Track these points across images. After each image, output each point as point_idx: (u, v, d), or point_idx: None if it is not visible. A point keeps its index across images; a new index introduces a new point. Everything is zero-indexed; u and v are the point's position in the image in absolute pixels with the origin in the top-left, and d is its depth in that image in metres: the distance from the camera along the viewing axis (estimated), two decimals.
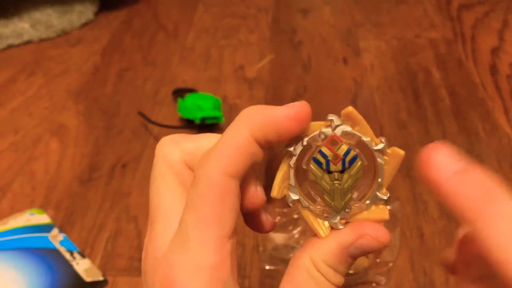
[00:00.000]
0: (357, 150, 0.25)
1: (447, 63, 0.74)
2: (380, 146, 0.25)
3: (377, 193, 0.26)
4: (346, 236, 0.25)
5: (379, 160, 0.25)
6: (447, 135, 0.60)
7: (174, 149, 0.26)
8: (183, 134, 0.27)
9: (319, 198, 0.26)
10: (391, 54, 0.78)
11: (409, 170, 0.56)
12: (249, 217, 0.28)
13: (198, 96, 0.66)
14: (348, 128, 0.25)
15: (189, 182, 0.26)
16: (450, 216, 0.50)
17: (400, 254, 0.46)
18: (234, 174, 0.24)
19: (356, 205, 0.26)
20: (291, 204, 0.26)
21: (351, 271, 0.44)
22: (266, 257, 0.46)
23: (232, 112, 0.68)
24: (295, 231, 0.47)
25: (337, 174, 0.26)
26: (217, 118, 0.63)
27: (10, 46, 0.91)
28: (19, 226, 0.53)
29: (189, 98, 0.66)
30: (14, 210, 0.56)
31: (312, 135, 0.25)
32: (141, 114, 0.67)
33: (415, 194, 0.53)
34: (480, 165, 0.20)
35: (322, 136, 0.25)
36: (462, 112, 0.64)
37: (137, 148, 0.64)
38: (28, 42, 0.92)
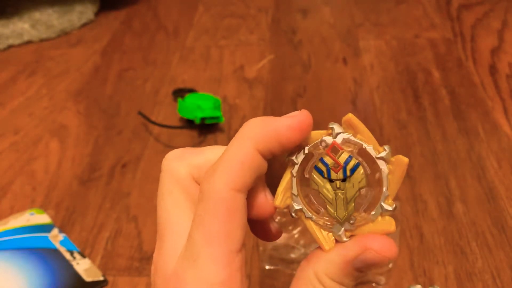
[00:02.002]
0: (360, 159, 0.25)
1: (447, 63, 0.74)
2: (383, 153, 0.25)
3: (382, 204, 0.25)
4: (350, 249, 0.25)
5: (382, 168, 0.25)
6: (446, 135, 0.61)
7: (181, 165, 0.26)
8: (189, 148, 0.27)
9: (322, 209, 0.26)
10: (391, 54, 0.78)
11: (409, 170, 0.55)
12: (257, 226, 0.28)
13: (198, 96, 0.66)
14: (349, 136, 0.25)
15: (197, 197, 0.26)
16: (449, 216, 0.50)
17: (400, 254, 0.46)
18: (241, 189, 0.24)
19: (360, 215, 0.25)
20: (294, 214, 0.25)
21: None
22: (266, 257, 0.47)
23: (232, 112, 0.68)
24: (295, 231, 0.47)
25: (339, 183, 0.25)
26: (217, 118, 0.63)
27: (10, 46, 0.91)
28: (19, 226, 0.53)
29: (189, 98, 0.66)
30: (14, 210, 0.56)
31: (313, 143, 0.25)
32: (141, 114, 0.67)
33: (415, 194, 0.53)
34: None
35: (323, 144, 0.25)
36: (462, 112, 0.64)
37: (137, 148, 0.64)
38: (28, 42, 0.92)
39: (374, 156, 0.25)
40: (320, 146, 0.25)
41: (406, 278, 0.45)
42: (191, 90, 0.72)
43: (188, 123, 0.66)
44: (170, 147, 0.62)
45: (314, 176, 0.25)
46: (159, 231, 0.26)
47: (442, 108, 0.65)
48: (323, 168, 0.25)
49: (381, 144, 0.25)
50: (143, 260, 0.49)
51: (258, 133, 0.24)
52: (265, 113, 0.67)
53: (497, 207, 0.51)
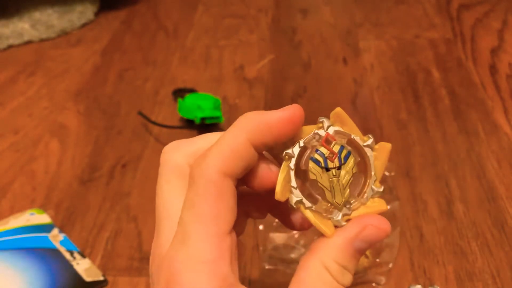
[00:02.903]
0: (349, 148, 0.27)
1: (447, 63, 0.74)
2: (369, 141, 0.27)
3: (373, 186, 0.27)
4: (350, 230, 0.26)
5: (369, 155, 0.27)
6: (446, 135, 0.61)
7: (177, 154, 0.27)
8: (184, 139, 0.28)
9: (320, 198, 0.27)
10: (390, 54, 0.78)
11: (408, 170, 0.56)
12: (283, 216, 0.29)
13: (198, 96, 0.66)
14: (338, 128, 0.27)
15: None
16: (449, 216, 0.50)
17: (400, 254, 0.46)
18: (230, 174, 0.25)
19: (355, 200, 0.27)
20: (294, 206, 0.27)
21: None
22: (266, 257, 0.47)
23: (232, 112, 0.68)
24: (295, 231, 0.47)
25: (335, 171, 0.27)
26: (217, 118, 0.63)
27: (10, 46, 0.91)
28: (19, 226, 0.53)
29: (189, 98, 0.66)
30: (14, 210, 0.56)
31: (307, 136, 0.27)
32: (141, 114, 0.67)
33: (415, 194, 0.53)
34: None
35: (317, 137, 0.27)
36: (462, 112, 0.64)
37: (137, 148, 0.64)
38: (28, 42, 0.92)
39: (361, 145, 0.27)
40: (314, 139, 0.27)
41: (406, 278, 0.45)
42: (191, 90, 0.72)
43: (188, 123, 0.66)
44: None
45: (311, 167, 0.27)
46: (157, 220, 0.27)
47: (442, 108, 0.65)
48: (320, 158, 0.27)
49: (364, 135, 0.28)
50: (143, 260, 0.49)
51: (251, 125, 0.26)
52: None
53: (497, 207, 0.51)
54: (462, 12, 0.87)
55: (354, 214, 0.27)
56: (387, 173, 0.53)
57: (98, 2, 1.01)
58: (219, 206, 0.25)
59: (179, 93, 0.72)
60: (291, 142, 0.27)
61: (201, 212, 0.24)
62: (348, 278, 0.26)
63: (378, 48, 0.80)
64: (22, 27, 0.92)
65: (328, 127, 0.27)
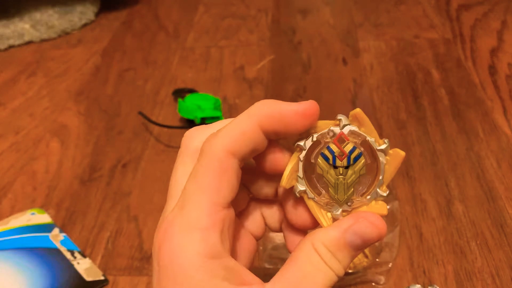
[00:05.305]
0: (362, 149, 0.28)
1: (446, 63, 0.74)
2: (383, 146, 0.27)
3: (378, 190, 0.28)
4: (344, 221, 0.27)
5: (381, 159, 0.27)
6: (446, 135, 0.61)
7: (196, 139, 0.29)
8: (204, 125, 0.29)
9: (323, 191, 0.28)
10: (390, 55, 0.78)
11: (408, 170, 0.56)
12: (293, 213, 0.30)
13: (198, 96, 0.67)
14: (355, 128, 0.27)
15: None
16: (449, 216, 0.50)
17: (399, 254, 0.47)
18: (236, 154, 0.26)
19: (357, 199, 0.28)
20: (298, 195, 0.28)
21: (350, 270, 0.44)
22: (266, 257, 0.47)
23: (232, 112, 0.69)
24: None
25: (342, 170, 0.28)
26: (217, 118, 0.63)
27: (11, 47, 0.91)
28: (20, 225, 0.53)
29: (189, 98, 0.66)
30: (15, 210, 0.56)
31: (321, 132, 0.27)
32: (141, 114, 0.67)
33: (414, 194, 0.53)
34: None
35: (331, 134, 0.27)
36: (461, 112, 0.64)
37: (138, 148, 0.64)
38: (29, 43, 0.92)
39: (375, 148, 0.27)
40: (328, 135, 0.27)
41: (406, 277, 0.45)
42: (191, 90, 0.72)
43: (188, 123, 0.66)
44: (171, 147, 0.62)
45: (320, 161, 0.28)
46: (168, 194, 0.28)
47: (441, 108, 0.65)
48: (329, 155, 0.27)
49: (381, 138, 0.28)
50: (143, 260, 0.49)
51: (264, 111, 0.27)
52: None
53: (497, 207, 0.51)
54: (462, 12, 0.88)
55: (354, 211, 0.28)
56: None
57: (99, 2, 1.01)
58: (220, 181, 0.26)
59: (179, 93, 0.72)
60: (306, 134, 0.27)
61: (202, 183, 0.26)
62: (336, 264, 0.26)
63: (377, 48, 0.80)
64: (23, 28, 0.93)
65: (344, 126, 0.27)
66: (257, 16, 0.94)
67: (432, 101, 0.67)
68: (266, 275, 0.47)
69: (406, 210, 0.51)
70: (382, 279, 0.44)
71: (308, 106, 0.27)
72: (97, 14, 0.99)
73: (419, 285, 0.43)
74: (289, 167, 0.28)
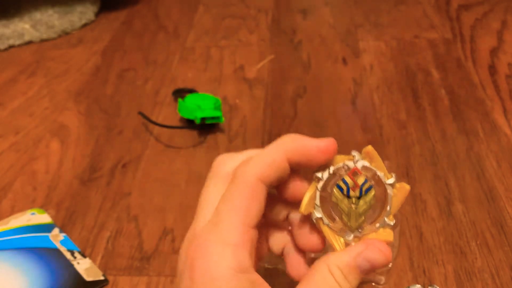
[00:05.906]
0: (372, 182, 0.31)
1: (446, 64, 0.74)
2: (391, 180, 0.32)
3: (386, 219, 0.32)
4: (356, 248, 0.31)
5: (389, 192, 0.32)
6: (446, 135, 0.61)
7: (226, 164, 0.32)
8: (233, 153, 0.33)
9: (337, 218, 0.32)
10: (390, 55, 0.78)
11: (408, 170, 0.56)
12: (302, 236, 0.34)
13: (198, 96, 0.67)
14: (366, 164, 0.31)
15: None
16: (449, 216, 0.50)
17: (399, 254, 0.47)
18: (265, 181, 0.30)
19: (367, 227, 0.32)
20: (314, 221, 0.32)
21: None
22: (266, 257, 0.47)
23: (232, 112, 0.69)
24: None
25: (355, 200, 0.31)
26: (217, 118, 0.63)
27: (11, 47, 0.91)
28: (20, 225, 0.53)
29: (189, 98, 0.66)
30: (15, 210, 0.56)
31: (337, 166, 0.31)
32: (141, 114, 0.67)
33: (414, 194, 0.53)
34: None
35: (346, 168, 0.31)
36: (461, 112, 0.64)
37: (138, 148, 0.64)
38: (29, 43, 0.92)
39: (384, 182, 0.32)
40: (343, 169, 0.31)
41: (406, 277, 0.45)
42: (191, 90, 0.72)
43: (188, 123, 0.66)
44: (171, 147, 0.62)
45: (335, 192, 0.31)
46: (197, 210, 0.32)
47: (441, 108, 0.65)
48: (344, 187, 0.31)
49: (389, 172, 0.32)
50: (143, 260, 0.49)
51: (291, 145, 0.31)
52: (265, 113, 0.68)
53: (497, 207, 0.51)
54: (462, 12, 0.88)
55: (364, 237, 0.32)
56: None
57: (99, 2, 1.01)
58: (251, 204, 0.29)
59: (179, 93, 0.72)
60: (324, 166, 0.31)
61: (235, 204, 0.29)
62: (347, 285, 0.30)
63: (377, 48, 0.80)
64: (23, 28, 0.93)
65: (358, 161, 0.31)
66: (257, 16, 0.94)
67: (432, 101, 0.67)
68: (266, 275, 0.47)
69: (406, 210, 0.51)
70: (382, 279, 0.44)
71: (328, 144, 0.30)
72: (97, 14, 0.99)
73: (419, 285, 0.43)
74: (308, 195, 0.31)
